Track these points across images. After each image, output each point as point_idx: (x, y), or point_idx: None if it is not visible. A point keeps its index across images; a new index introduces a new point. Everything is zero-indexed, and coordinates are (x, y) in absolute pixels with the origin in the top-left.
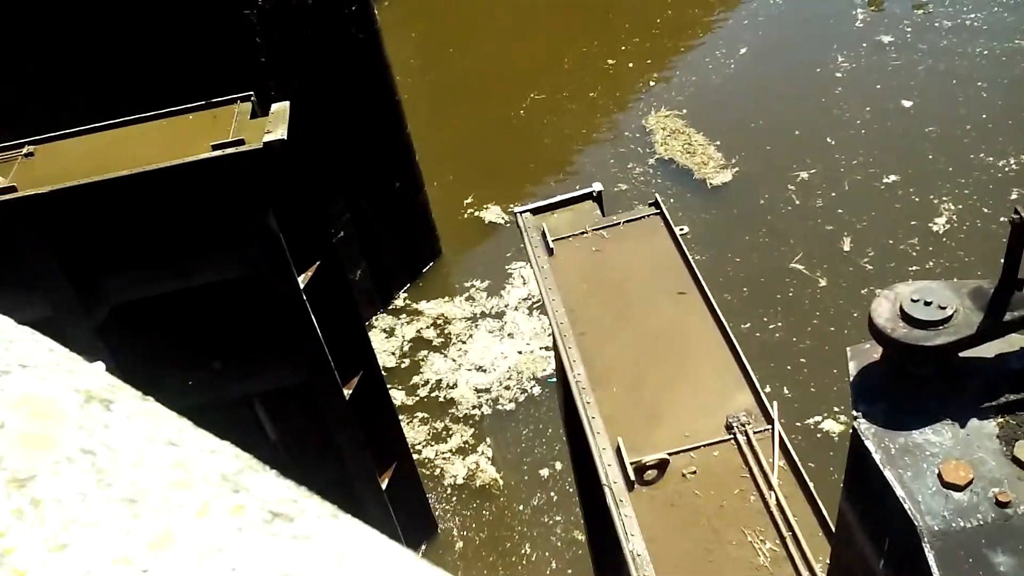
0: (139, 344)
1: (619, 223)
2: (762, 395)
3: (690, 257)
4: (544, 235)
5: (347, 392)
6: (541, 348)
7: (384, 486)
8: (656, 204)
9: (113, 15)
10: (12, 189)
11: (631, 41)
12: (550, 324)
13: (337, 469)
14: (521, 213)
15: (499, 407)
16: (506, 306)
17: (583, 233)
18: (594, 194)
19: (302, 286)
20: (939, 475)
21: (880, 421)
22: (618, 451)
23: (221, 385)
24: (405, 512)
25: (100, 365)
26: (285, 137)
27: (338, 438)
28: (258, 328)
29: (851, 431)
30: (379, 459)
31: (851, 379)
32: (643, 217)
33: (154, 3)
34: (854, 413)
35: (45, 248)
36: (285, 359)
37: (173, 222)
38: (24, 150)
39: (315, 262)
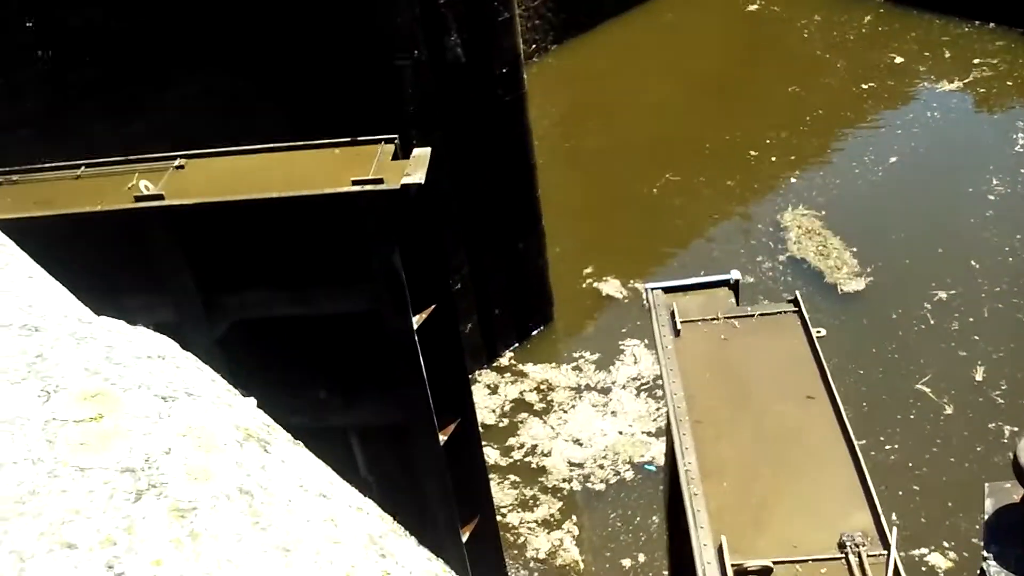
0: (252, 361)
1: (753, 315)
2: (882, 517)
3: (824, 362)
4: (673, 315)
5: (442, 437)
6: (643, 432)
7: (464, 539)
8: (795, 302)
9: (277, 50)
10: (160, 197)
11: (778, 135)
12: (666, 406)
13: (421, 511)
14: (652, 289)
15: (589, 485)
16: (613, 382)
17: (714, 319)
18: (731, 282)
19: (415, 326)
20: None
21: (1012, 566)
22: (720, 550)
23: (322, 413)
24: (482, 572)
25: (252, 401)
26: (423, 182)
27: (427, 481)
28: (365, 362)
29: (978, 572)
30: (463, 511)
31: (985, 517)
32: (779, 313)
33: (318, 44)
34: (984, 554)
35: (181, 256)
36: (387, 395)
37: (302, 249)
38: (176, 162)
39: (431, 305)
